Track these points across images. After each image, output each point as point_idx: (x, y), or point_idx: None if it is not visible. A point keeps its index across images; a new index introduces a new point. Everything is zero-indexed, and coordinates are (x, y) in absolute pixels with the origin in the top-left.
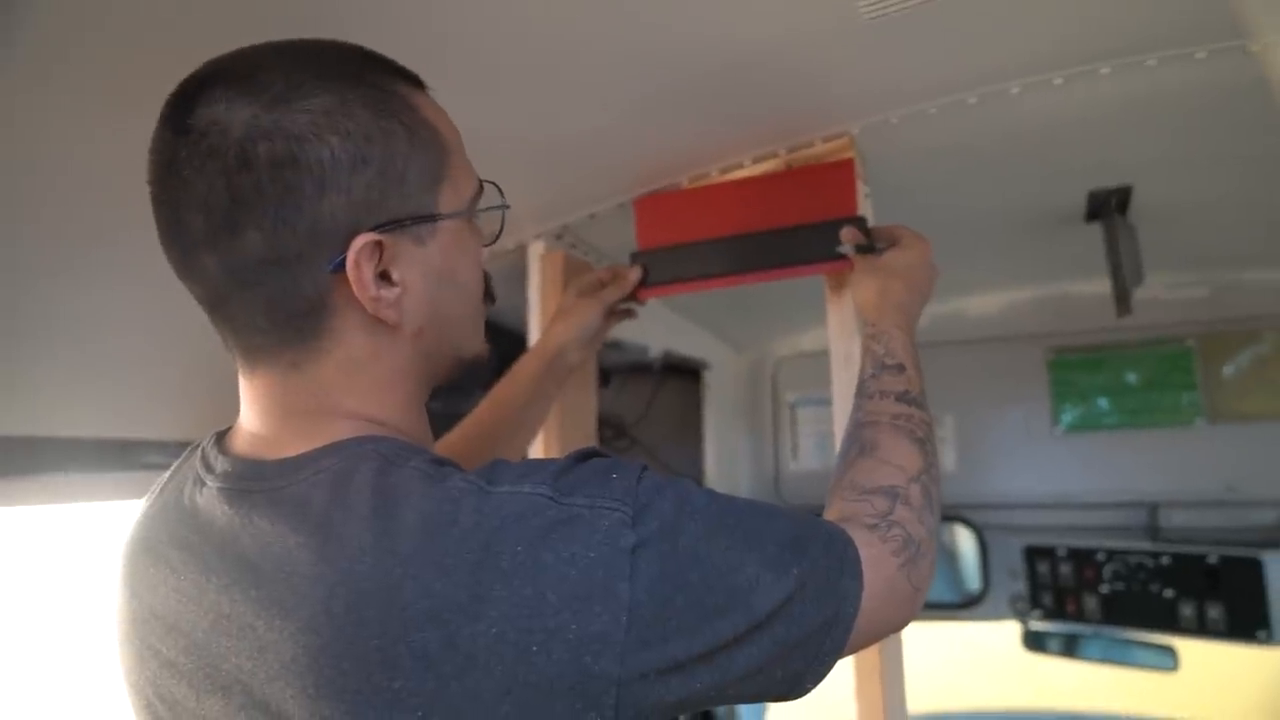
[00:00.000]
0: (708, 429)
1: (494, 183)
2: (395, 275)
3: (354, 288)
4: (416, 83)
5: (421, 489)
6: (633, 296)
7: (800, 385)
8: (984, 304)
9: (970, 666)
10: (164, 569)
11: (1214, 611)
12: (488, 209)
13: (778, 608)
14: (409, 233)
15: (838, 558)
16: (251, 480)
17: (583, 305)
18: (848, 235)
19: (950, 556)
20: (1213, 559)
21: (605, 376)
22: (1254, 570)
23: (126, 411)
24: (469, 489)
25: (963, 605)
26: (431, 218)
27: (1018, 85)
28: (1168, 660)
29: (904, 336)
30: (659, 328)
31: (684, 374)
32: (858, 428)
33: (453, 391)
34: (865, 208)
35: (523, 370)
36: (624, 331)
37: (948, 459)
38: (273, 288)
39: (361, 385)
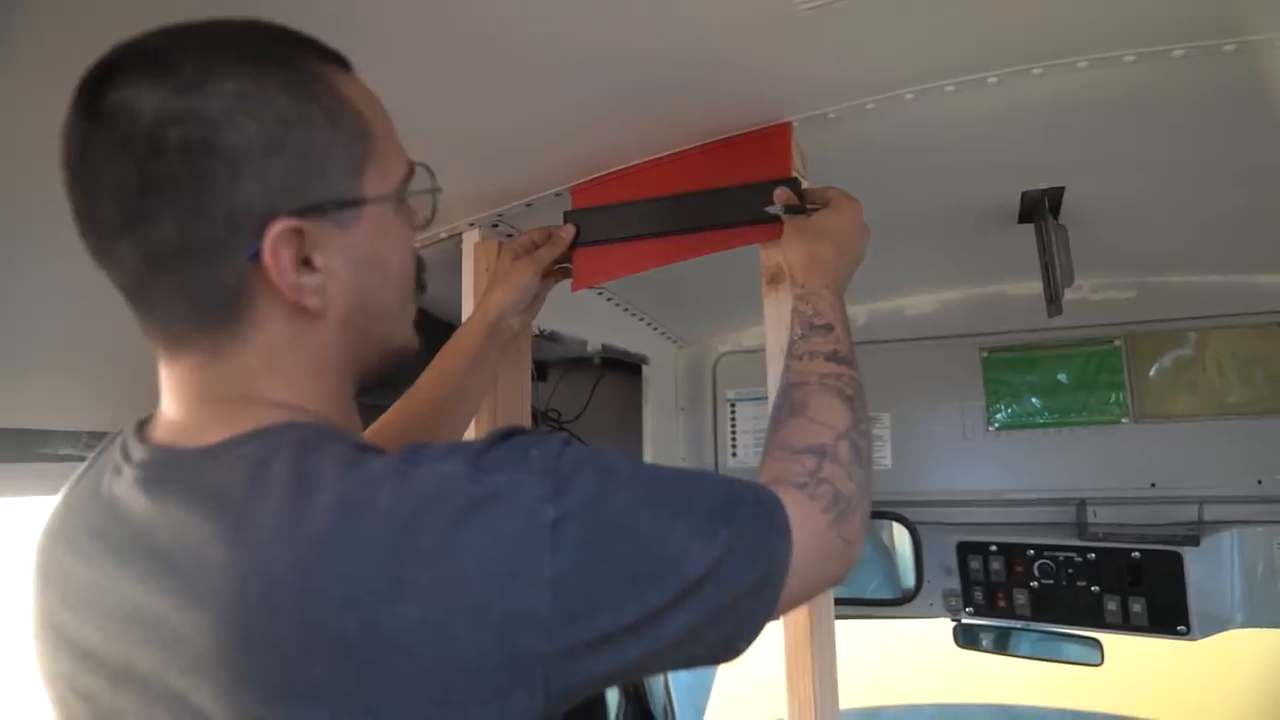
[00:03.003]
0: (647, 424)
1: (425, 165)
2: (318, 261)
3: (272, 275)
4: (342, 64)
5: (339, 473)
6: (567, 257)
7: (740, 382)
8: (920, 303)
9: (904, 662)
10: (79, 559)
11: (1137, 606)
12: (418, 192)
13: (707, 572)
14: (331, 218)
15: (766, 517)
16: (169, 469)
17: (519, 268)
18: (780, 196)
19: (885, 553)
20: (1136, 555)
21: (543, 370)
22: (1175, 565)
23: (35, 401)
24: (388, 471)
25: (897, 602)
26: (355, 202)
27: (953, 83)
28: (1094, 655)
29: (832, 297)
30: (598, 321)
31: (624, 368)
32: (788, 388)
33: (383, 388)
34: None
35: (463, 338)
36: (563, 325)
37: (884, 457)
38: (191, 275)
39: (284, 373)
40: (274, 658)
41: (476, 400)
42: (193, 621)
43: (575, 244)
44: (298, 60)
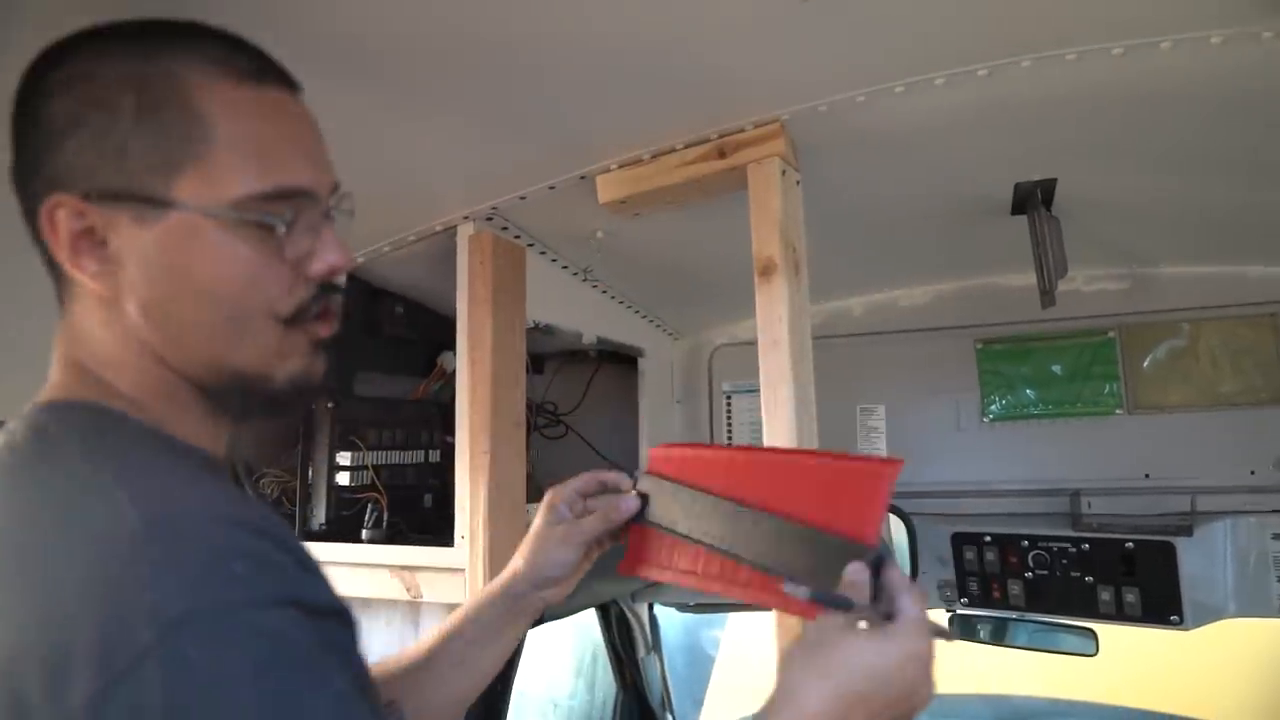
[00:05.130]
0: (643, 416)
1: (316, 197)
2: (111, 247)
3: (50, 245)
4: (245, 76)
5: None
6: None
7: (736, 374)
8: (914, 295)
9: None
10: None
11: (1130, 596)
12: (250, 220)
13: None
14: (125, 209)
15: None
16: None
17: (557, 537)
18: (843, 583)
19: (881, 544)
20: (1129, 545)
21: (539, 363)
22: (1168, 556)
23: None
24: (72, 495)
25: None
26: (155, 202)
27: (942, 75)
28: (1089, 645)
29: None
30: (594, 313)
31: (620, 361)
32: None
33: (268, 414)
34: (794, 206)
35: (479, 602)
36: (558, 317)
37: (879, 449)
38: (35, 238)
39: (96, 347)
40: None
41: (482, 674)
42: None
43: (637, 518)
44: (168, 57)
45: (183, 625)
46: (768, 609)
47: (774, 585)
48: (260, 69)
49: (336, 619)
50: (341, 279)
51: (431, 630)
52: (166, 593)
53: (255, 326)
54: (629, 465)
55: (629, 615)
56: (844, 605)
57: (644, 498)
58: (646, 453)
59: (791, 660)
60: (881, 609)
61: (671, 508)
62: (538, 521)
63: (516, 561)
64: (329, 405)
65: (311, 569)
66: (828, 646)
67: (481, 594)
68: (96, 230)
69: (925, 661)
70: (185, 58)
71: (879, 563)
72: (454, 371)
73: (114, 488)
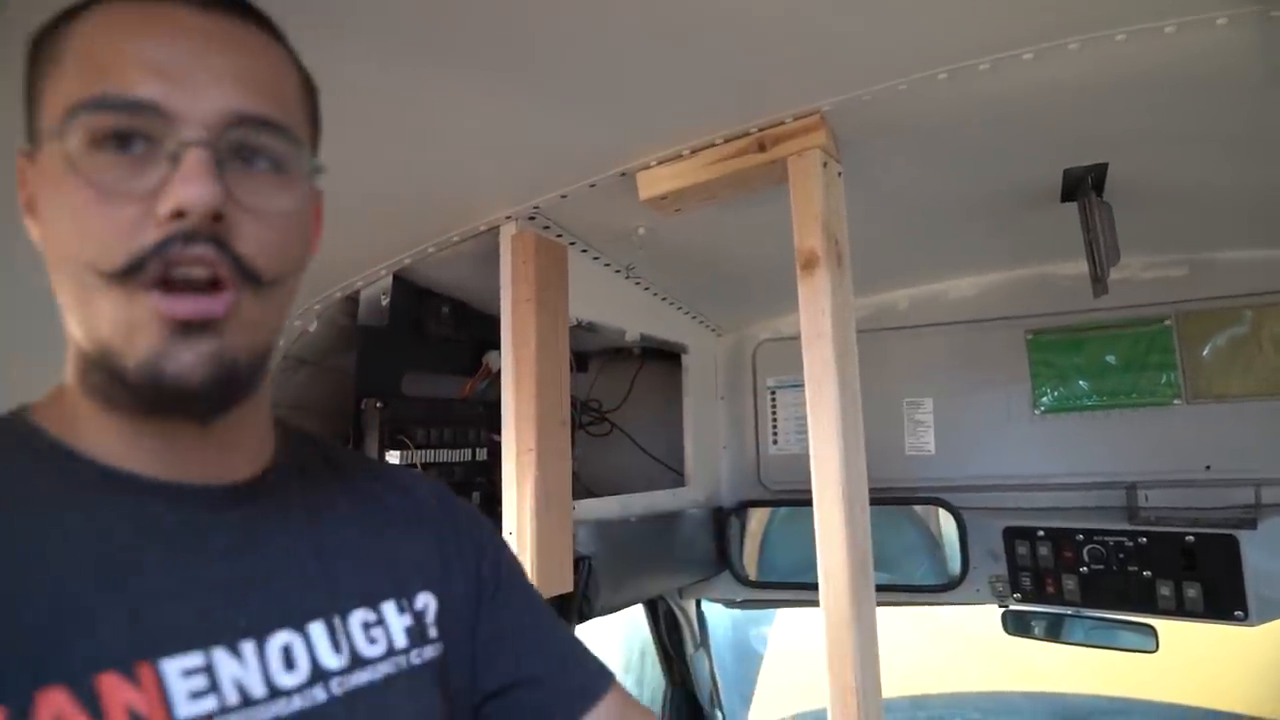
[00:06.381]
0: (687, 413)
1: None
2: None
3: None
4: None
5: None
6: None
7: (780, 369)
8: (961, 286)
9: (950, 649)
10: None
11: (1192, 591)
12: (76, 141)
13: None
14: (28, 157)
15: None
16: None
17: None
18: None
19: (930, 539)
20: (1190, 539)
21: (583, 361)
22: (1231, 549)
23: None
24: None
25: (943, 588)
26: (32, 137)
27: (987, 61)
28: (1148, 642)
29: None
30: (637, 311)
31: (664, 357)
32: None
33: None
34: (836, 198)
35: None
36: (601, 315)
37: (927, 442)
38: None
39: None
40: None
41: None
42: None
43: None
44: (79, 9)
45: None
46: None
47: None
48: None
49: None
50: (231, 234)
51: None
52: None
53: (85, 284)
54: (674, 462)
55: (677, 612)
56: None
57: None
58: (689, 445)
59: None
60: None
61: None
62: None
63: None
64: (378, 405)
65: None
66: None
67: None
68: (27, 185)
69: None
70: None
71: None
72: (499, 370)
73: None
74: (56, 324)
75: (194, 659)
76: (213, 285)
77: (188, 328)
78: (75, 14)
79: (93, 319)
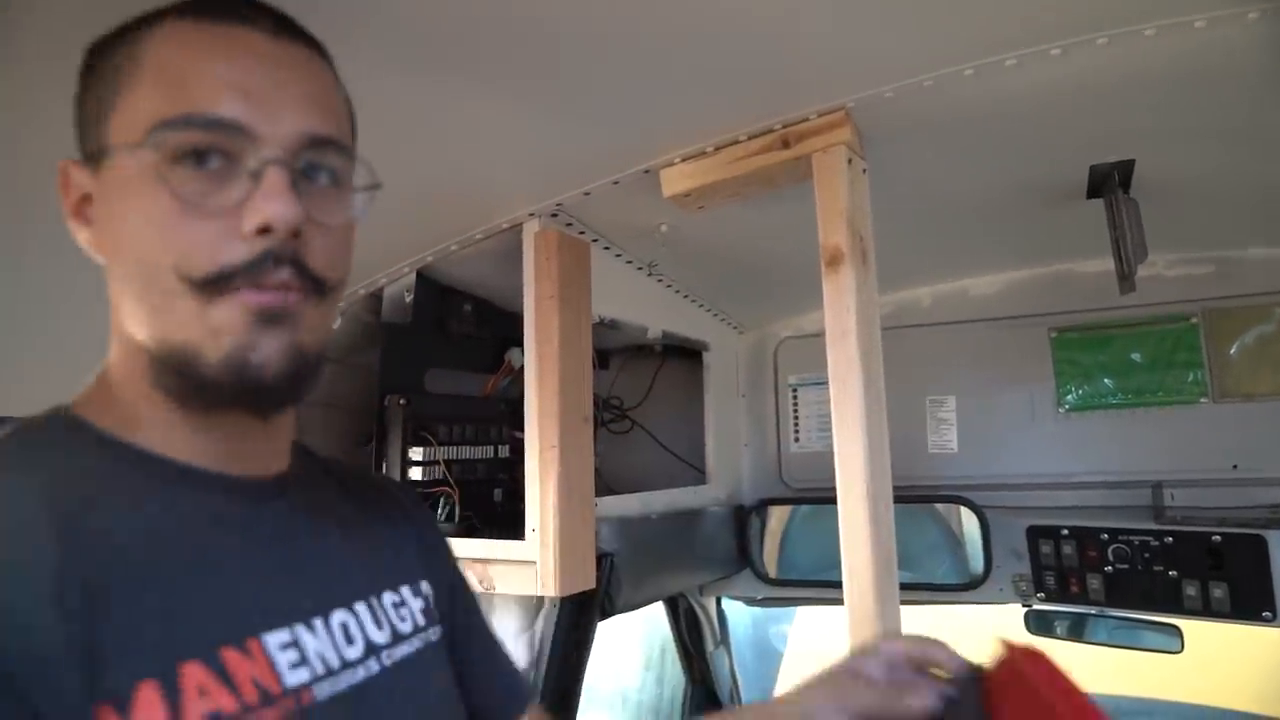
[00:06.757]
0: (709, 411)
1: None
2: (90, 211)
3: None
4: (203, 13)
5: None
6: None
7: (802, 367)
8: (984, 284)
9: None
10: None
11: (1218, 591)
12: (163, 156)
13: None
14: (89, 165)
15: None
16: None
17: (847, 693)
18: None
19: (952, 538)
20: (1217, 538)
21: (605, 358)
22: (1259, 549)
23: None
24: None
25: (965, 587)
26: (97, 151)
27: (1014, 57)
28: (1174, 642)
29: None
30: (658, 308)
31: (686, 355)
32: None
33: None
34: (861, 195)
35: None
36: (623, 312)
37: (950, 441)
38: None
39: (114, 334)
40: None
41: None
42: None
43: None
44: (142, 23)
45: None
46: None
47: None
48: (227, 7)
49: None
50: (305, 249)
51: None
52: None
53: (166, 289)
54: (695, 459)
55: (697, 609)
56: None
57: (951, 700)
58: (711, 443)
59: None
60: None
61: None
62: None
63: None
64: (401, 402)
65: None
66: None
67: None
68: (91, 195)
69: None
70: (159, 17)
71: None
72: (521, 368)
73: None
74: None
75: (285, 635)
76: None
77: (269, 319)
78: (140, 28)
79: (170, 322)
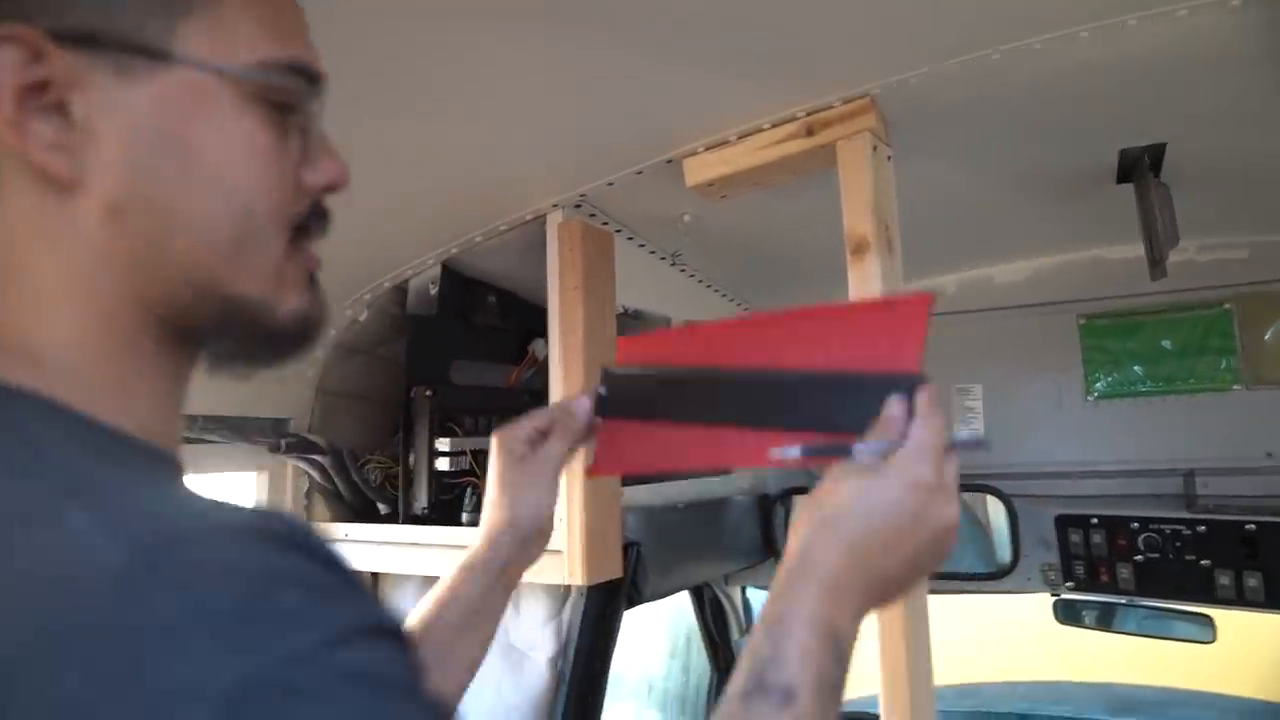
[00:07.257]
0: None
1: (312, 73)
2: (77, 111)
3: None
4: None
5: None
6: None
7: None
8: (1012, 271)
9: (1001, 638)
10: None
11: (1253, 580)
12: (272, 93)
13: None
14: (106, 58)
15: None
16: None
17: (526, 474)
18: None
19: (979, 527)
20: (1250, 527)
21: None
22: None
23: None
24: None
25: (993, 576)
26: (149, 51)
27: (1041, 40)
28: (1206, 632)
29: (817, 637)
30: (680, 298)
31: None
32: None
33: (248, 360)
34: (886, 183)
35: (458, 581)
36: (645, 303)
37: (976, 428)
38: None
39: (25, 280)
40: None
41: (467, 666)
42: None
43: (599, 410)
44: None
45: (241, 703)
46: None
47: (765, 448)
48: None
49: (402, 638)
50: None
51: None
52: (199, 659)
53: (264, 236)
54: None
55: (722, 598)
56: (837, 453)
57: (602, 397)
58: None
59: (800, 521)
60: (887, 442)
61: (645, 396)
62: (496, 466)
63: (494, 519)
64: (427, 393)
65: (355, 580)
66: (829, 495)
67: (456, 572)
68: (54, 86)
69: (929, 488)
70: None
71: (911, 384)
72: (545, 359)
73: (63, 503)
74: None
75: None
76: None
77: (312, 280)
78: None
79: (249, 264)
